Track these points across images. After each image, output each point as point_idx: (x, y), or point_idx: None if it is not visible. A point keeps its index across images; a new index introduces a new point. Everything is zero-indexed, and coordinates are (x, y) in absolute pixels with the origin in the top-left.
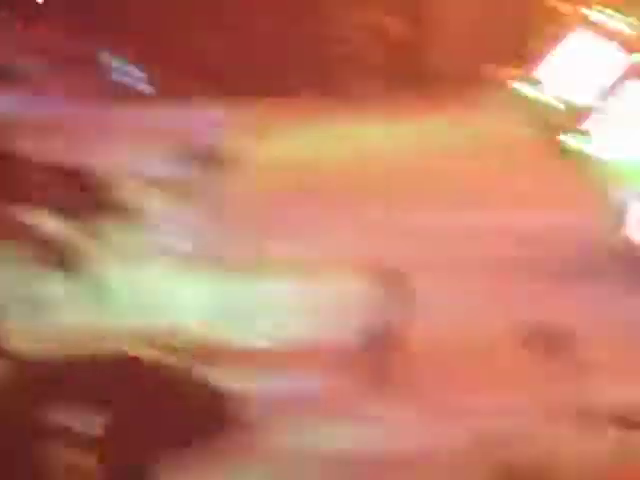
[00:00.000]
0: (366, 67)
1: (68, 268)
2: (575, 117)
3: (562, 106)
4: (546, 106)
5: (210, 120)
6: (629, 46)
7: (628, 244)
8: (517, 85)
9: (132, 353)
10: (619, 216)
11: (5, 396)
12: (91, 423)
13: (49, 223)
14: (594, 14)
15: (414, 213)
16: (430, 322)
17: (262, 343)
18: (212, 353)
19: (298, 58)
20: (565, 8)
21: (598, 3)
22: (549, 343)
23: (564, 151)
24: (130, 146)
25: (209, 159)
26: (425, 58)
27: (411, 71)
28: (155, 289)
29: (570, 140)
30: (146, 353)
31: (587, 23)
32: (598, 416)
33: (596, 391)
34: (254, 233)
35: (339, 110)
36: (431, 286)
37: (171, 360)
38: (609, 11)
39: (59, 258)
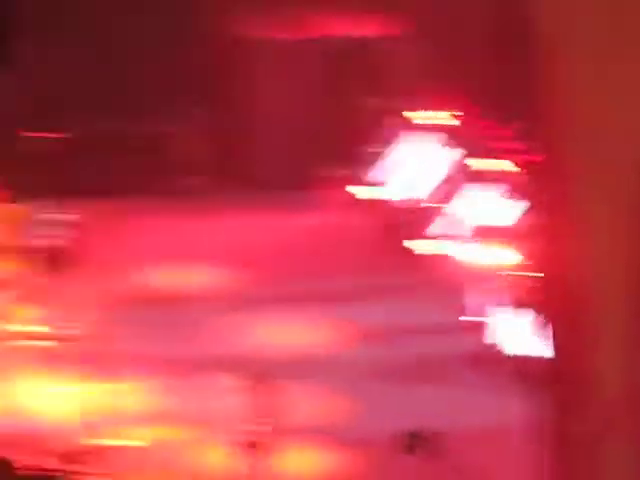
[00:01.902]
0: (192, 165)
1: None
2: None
3: (401, 205)
4: (385, 206)
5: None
6: (453, 142)
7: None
8: (351, 187)
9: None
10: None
11: None
12: None
13: None
14: (418, 115)
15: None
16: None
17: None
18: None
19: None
20: (389, 110)
21: (421, 105)
22: (426, 447)
23: None
24: None
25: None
26: (252, 159)
27: (237, 171)
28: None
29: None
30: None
31: (412, 124)
32: None
33: None
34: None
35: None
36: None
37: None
38: (430, 111)
39: None
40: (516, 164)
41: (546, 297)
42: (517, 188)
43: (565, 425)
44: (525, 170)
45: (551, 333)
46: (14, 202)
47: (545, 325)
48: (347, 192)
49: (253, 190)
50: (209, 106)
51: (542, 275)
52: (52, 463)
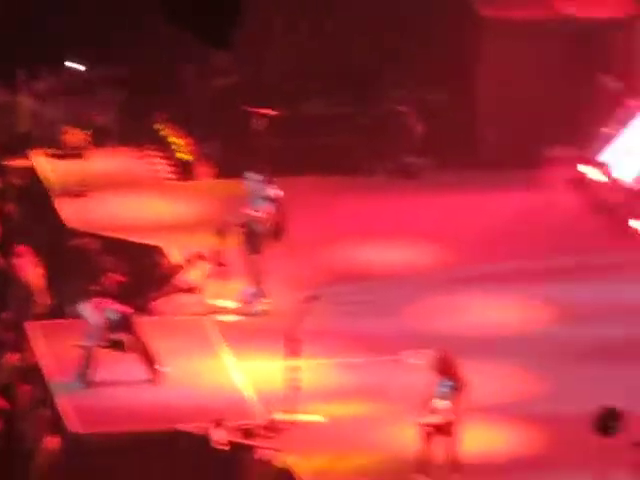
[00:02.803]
0: (414, 144)
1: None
2: None
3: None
4: (611, 189)
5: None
6: None
7: None
8: (581, 167)
9: (185, 430)
10: None
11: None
12: None
13: None
14: None
15: None
16: None
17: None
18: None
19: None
20: (627, 92)
21: None
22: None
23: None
24: None
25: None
26: (479, 138)
27: (463, 149)
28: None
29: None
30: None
31: None
32: None
33: None
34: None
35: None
36: None
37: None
38: None
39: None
40: None
41: None
42: None
43: None
44: None
45: None
46: (220, 177)
47: None
48: (573, 172)
49: (476, 169)
50: (444, 85)
51: None
52: (236, 437)
